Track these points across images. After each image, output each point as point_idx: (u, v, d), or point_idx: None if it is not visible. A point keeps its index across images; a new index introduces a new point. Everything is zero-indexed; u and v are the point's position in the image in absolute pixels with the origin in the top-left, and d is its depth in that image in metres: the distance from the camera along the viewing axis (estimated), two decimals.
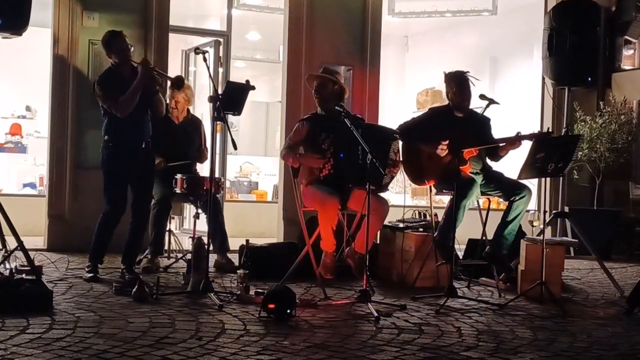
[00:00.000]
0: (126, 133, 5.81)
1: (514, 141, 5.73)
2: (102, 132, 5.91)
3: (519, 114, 9.81)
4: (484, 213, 5.99)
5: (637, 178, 9.63)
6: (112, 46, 5.83)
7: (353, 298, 5.21)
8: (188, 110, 6.95)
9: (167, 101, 6.83)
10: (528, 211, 7.04)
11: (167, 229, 6.77)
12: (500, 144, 5.87)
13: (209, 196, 5.66)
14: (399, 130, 5.97)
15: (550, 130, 5.93)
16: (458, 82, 5.93)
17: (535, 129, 8.50)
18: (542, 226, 5.85)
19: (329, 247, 5.47)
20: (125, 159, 5.80)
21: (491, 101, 5.83)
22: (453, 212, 5.48)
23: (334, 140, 5.48)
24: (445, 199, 6.80)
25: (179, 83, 5.95)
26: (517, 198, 5.79)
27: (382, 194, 5.52)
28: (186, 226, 8.63)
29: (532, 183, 6.91)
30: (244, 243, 5.80)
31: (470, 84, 5.92)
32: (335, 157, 5.46)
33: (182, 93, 6.75)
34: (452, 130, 5.79)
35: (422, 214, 6.68)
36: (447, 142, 5.72)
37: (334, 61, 8.14)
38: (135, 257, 5.97)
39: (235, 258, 6.59)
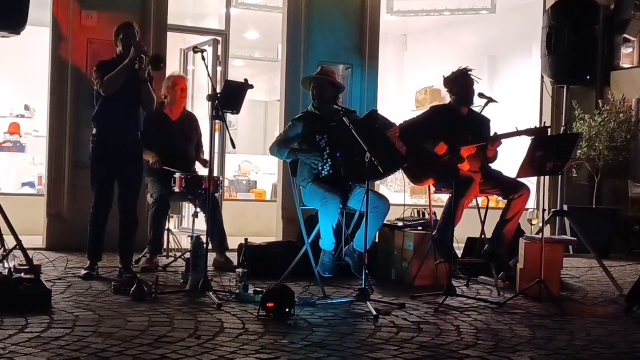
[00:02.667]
0: (114, 123, 5.85)
1: (511, 137, 5.74)
2: (91, 122, 5.98)
3: (518, 113, 9.81)
4: (482, 212, 5.99)
5: (636, 176, 9.63)
6: (120, 34, 5.93)
7: (352, 297, 5.21)
8: (184, 106, 6.95)
9: (165, 93, 6.82)
10: (527, 210, 7.05)
11: (166, 228, 6.77)
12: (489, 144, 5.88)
13: (207, 195, 5.65)
14: (399, 128, 5.97)
15: (547, 125, 5.93)
16: (462, 78, 5.94)
17: (533, 125, 8.50)
18: (541, 225, 5.85)
19: (329, 245, 5.47)
20: (113, 151, 5.83)
21: (490, 100, 5.84)
22: (452, 211, 5.48)
23: (329, 141, 5.49)
24: (444, 198, 6.80)
25: (156, 61, 5.82)
26: (516, 196, 5.79)
27: (383, 193, 5.53)
28: (185, 225, 8.63)
29: (531, 182, 6.91)
30: (243, 242, 5.79)
31: (475, 82, 5.94)
32: (332, 157, 5.47)
33: (185, 80, 6.82)
34: (453, 129, 5.79)
35: (421, 212, 6.68)
36: (445, 147, 5.72)
37: (332, 60, 8.14)
38: (130, 256, 5.95)
39: (234, 257, 6.58)
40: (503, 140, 5.87)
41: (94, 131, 5.93)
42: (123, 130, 5.88)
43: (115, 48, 5.97)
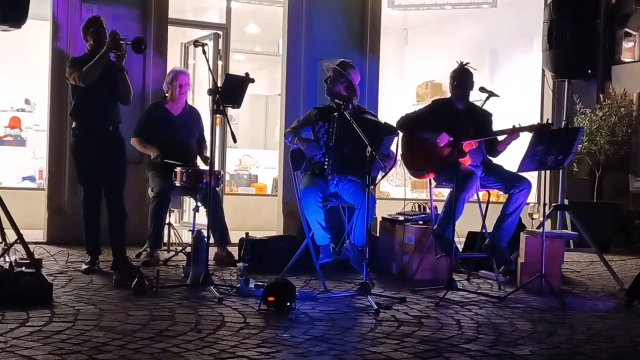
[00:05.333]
0: (92, 116, 5.86)
1: (513, 133, 5.74)
2: (69, 116, 6.04)
3: (519, 107, 9.80)
4: (483, 206, 6.00)
5: (637, 171, 9.62)
6: (89, 28, 5.94)
7: (353, 291, 5.22)
8: (186, 101, 6.94)
9: (165, 88, 6.82)
10: (528, 204, 7.04)
11: (167, 222, 6.77)
12: (499, 138, 5.89)
13: (208, 189, 5.66)
14: (400, 121, 6.01)
15: (550, 121, 5.93)
16: (459, 73, 5.97)
17: (535, 121, 8.54)
18: (541, 219, 5.85)
19: (322, 240, 5.49)
20: (93, 143, 5.84)
21: (491, 94, 5.84)
22: (453, 205, 5.48)
23: (329, 129, 5.50)
24: (445, 192, 6.81)
25: (137, 45, 5.79)
26: (516, 191, 5.79)
27: (382, 187, 5.53)
28: (186, 219, 8.63)
29: (532, 176, 6.91)
30: (244, 236, 5.79)
31: (472, 75, 5.95)
32: (326, 145, 5.50)
33: (186, 75, 6.80)
34: (454, 123, 5.79)
35: (421, 206, 6.68)
36: (451, 138, 5.71)
37: (333, 54, 8.13)
38: (123, 250, 5.92)
39: (235, 251, 6.59)
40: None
41: (73, 124, 5.95)
42: (103, 122, 5.89)
43: (86, 43, 6.00)
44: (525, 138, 5.56)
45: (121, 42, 5.68)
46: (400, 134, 6.04)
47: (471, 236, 6.63)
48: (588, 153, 8.99)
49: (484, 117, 6.01)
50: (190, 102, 7.33)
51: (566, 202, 7.41)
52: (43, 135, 8.45)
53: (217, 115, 5.46)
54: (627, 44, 9.85)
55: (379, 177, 5.63)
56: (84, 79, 5.70)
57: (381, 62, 8.94)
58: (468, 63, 5.99)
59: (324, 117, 5.59)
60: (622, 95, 9.20)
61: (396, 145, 5.56)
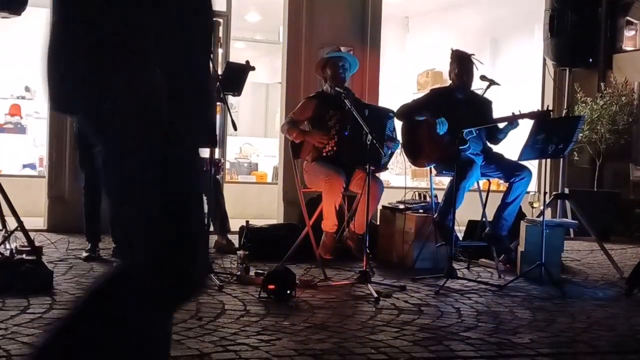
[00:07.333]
0: None
1: (513, 120, 5.73)
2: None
3: (520, 95, 9.79)
4: (484, 194, 5.99)
5: (638, 160, 9.62)
6: None
7: (353, 279, 5.22)
8: None
9: None
10: (528, 192, 7.04)
11: None
12: (499, 126, 5.89)
13: (209, 177, 5.65)
14: (400, 110, 6.00)
15: (550, 108, 5.92)
16: (461, 63, 5.95)
17: (536, 108, 8.51)
18: (542, 207, 5.86)
19: (331, 227, 5.47)
20: None
21: (492, 82, 5.83)
22: (453, 194, 5.48)
23: (341, 118, 5.47)
24: (445, 180, 6.81)
25: None
26: (517, 179, 5.79)
27: (379, 175, 5.52)
28: None
29: (532, 164, 6.92)
30: (244, 224, 5.80)
31: (474, 67, 5.93)
32: (339, 135, 5.46)
33: None
34: (453, 111, 5.78)
35: (422, 195, 6.68)
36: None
37: (333, 42, 8.10)
38: None
39: (235, 239, 6.59)
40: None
41: None
42: None
43: None
44: (526, 126, 5.56)
45: None
46: (400, 123, 6.05)
47: (471, 225, 6.64)
48: (589, 142, 8.99)
49: (484, 105, 6.01)
50: None
51: (567, 190, 7.41)
52: (43, 122, 8.44)
53: (218, 103, 5.45)
54: (628, 33, 9.83)
55: (389, 159, 5.60)
56: None
57: (382, 50, 8.91)
58: (473, 54, 5.97)
59: (332, 106, 5.54)
60: (623, 84, 9.20)
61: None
